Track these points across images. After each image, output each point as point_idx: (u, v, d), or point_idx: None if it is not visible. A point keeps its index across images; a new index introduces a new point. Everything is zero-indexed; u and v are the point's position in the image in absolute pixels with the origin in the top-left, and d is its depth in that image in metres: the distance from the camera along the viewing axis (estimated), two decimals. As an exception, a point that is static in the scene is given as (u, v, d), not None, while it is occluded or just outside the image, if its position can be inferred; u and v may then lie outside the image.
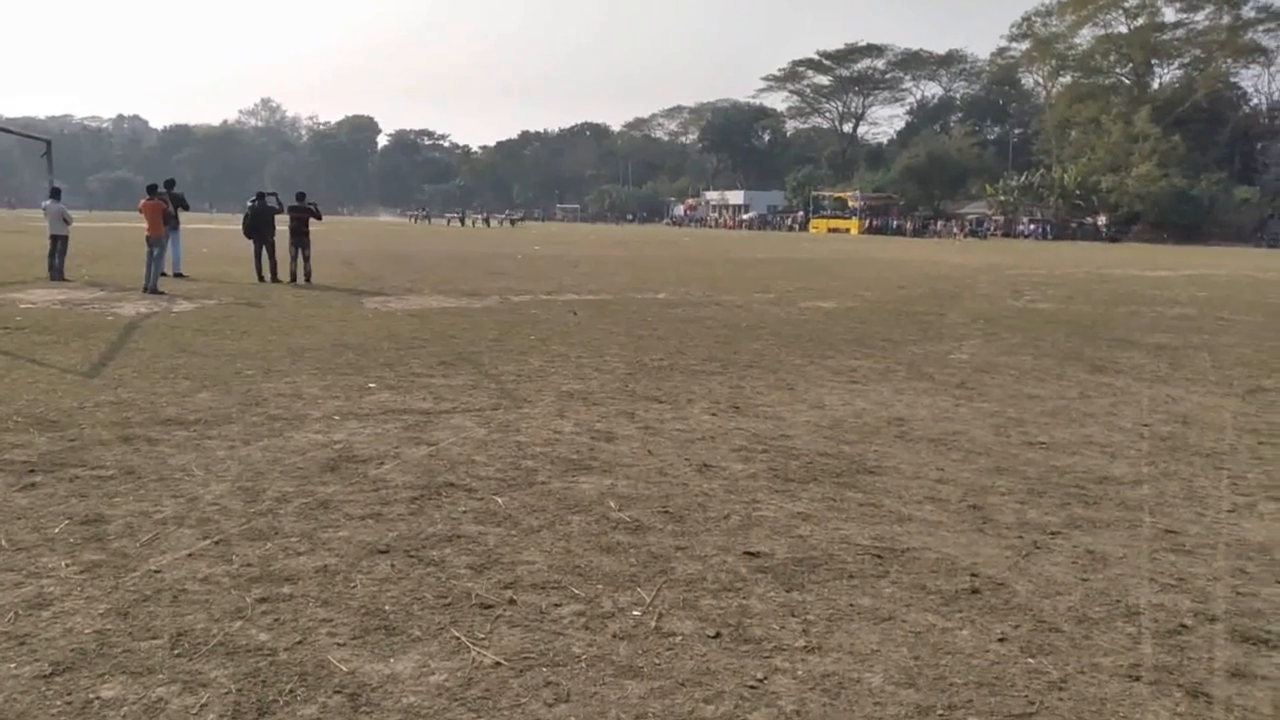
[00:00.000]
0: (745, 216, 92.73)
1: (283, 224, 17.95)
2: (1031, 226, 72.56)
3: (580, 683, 3.08)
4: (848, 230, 75.00)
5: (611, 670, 3.16)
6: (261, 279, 17.45)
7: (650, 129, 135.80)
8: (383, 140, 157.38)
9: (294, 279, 17.45)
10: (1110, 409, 7.76)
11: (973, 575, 4.08)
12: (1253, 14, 79.02)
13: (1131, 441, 6.64)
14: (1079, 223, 73.45)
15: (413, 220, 78.51)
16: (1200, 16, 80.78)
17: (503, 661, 3.20)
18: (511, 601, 3.69)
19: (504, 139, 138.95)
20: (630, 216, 68.12)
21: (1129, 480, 5.63)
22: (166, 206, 16.37)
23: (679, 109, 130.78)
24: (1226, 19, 79.58)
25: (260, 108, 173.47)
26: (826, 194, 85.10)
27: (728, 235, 59.92)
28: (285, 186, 25.25)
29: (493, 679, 3.08)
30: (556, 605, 3.67)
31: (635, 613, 3.61)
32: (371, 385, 7.86)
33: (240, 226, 18.47)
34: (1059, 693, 3.09)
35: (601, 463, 5.66)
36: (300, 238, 17.80)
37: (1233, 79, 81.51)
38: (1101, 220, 72.54)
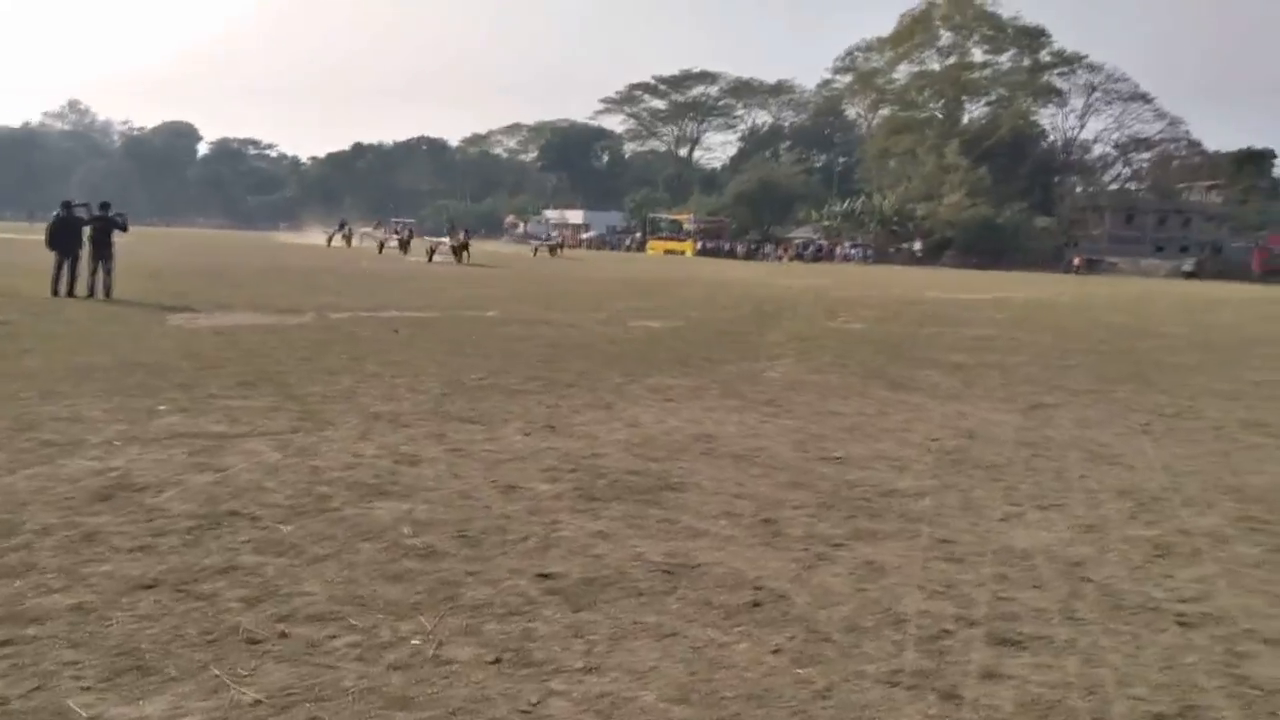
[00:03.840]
0: (585, 236, 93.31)
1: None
2: (854, 250, 76.19)
3: (346, 717, 2.96)
4: (683, 252, 76.61)
5: (381, 702, 3.06)
6: (57, 294, 16.17)
7: (489, 145, 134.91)
8: (203, 148, 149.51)
9: (93, 294, 16.26)
10: (904, 424, 8.19)
11: (757, 589, 4.19)
12: (1049, 58, 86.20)
13: (919, 455, 7.02)
14: (897, 247, 77.64)
15: (328, 241, 52.45)
16: (1004, 58, 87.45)
17: (263, 699, 3.04)
18: (283, 635, 3.52)
19: (336, 150, 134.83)
20: (467, 232, 66.65)
21: (913, 493, 5.95)
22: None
23: (518, 126, 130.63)
24: (1027, 62, 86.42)
25: (68, 110, 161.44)
26: (663, 216, 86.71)
27: (569, 254, 59.95)
28: (95, 195, 23.50)
29: (249, 719, 2.92)
30: (331, 637, 3.53)
31: (414, 642, 3.52)
32: (161, 407, 7.39)
33: (44, 237, 17.00)
34: (823, 701, 3.21)
35: (402, 487, 5.51)
36: (102, 250, 16.62)
37: (1033, 117, 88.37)
38: (917, 245, 76.95)
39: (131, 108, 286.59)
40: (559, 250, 58.68)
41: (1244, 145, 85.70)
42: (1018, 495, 6.00)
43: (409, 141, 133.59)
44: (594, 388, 9.21)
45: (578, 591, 4.06)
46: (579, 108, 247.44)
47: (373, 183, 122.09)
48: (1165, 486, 6.39)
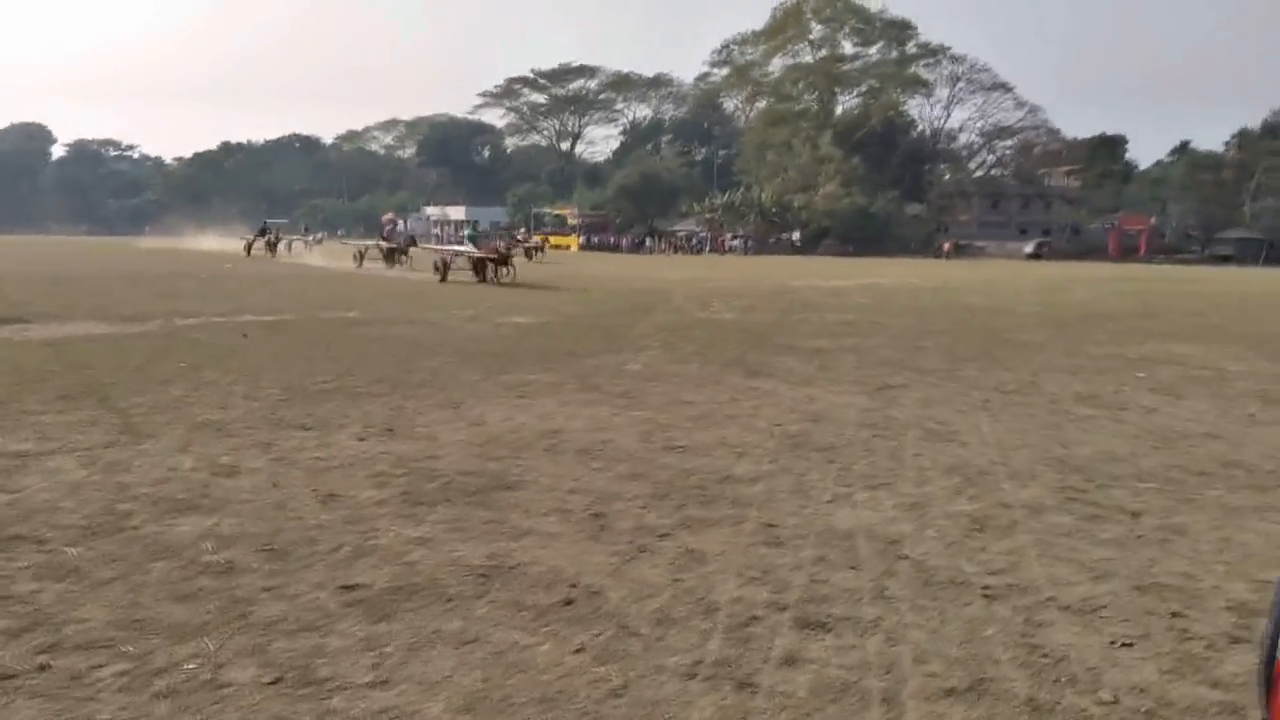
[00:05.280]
0: (466, 232, 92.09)
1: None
2: (735, 241, 77.30)
3: (91, 756, 2.73)
4: (568, 246, 76.38)
5: (135, 736, 2.84)
6: None
7: (365, 141, 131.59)
8: (59, 150, 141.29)
9: (-88, 306, 15.07)
10: (753, 411, 8.24)
11: (572, 586, 4.09)
12: (915, 50, 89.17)
13: (762, 440, 7.06)
14: (777, 238, 79.14)
15: (247, 248, 44.07)
16: (873, 50, 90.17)
17: (-1, 743, 2.77)
18: (43, 668, 3.25)
19: (203, 150, 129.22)
20: (322, 233, 64.56)
21: (747, 478, 5.96)
22: None
23: (395, 122, 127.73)
24: (895, 54, 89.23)
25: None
26: (547, 211, 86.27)
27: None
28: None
29: (-23, 767, 2.66)
30: (98, 667, 3.27)
31: (190, 666, 3.29)
32: (-39, 427, 6.84)
33: None
34: (615, 700, 3.13)
35: (213, 500, 5.20)
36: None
37: (902, 107, 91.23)
38: (796, 235, 78.61)
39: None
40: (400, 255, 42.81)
41: (1098, 132, 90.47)
42: (850, 476, 6.08)
43: (281, 140, 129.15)
44: (445, 387, 8.98)
45: (381, 602, 3.88)
46: (458, 102, 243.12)
47: (243, 183, 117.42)
48: (994, 461, 6.59)
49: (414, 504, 5.23)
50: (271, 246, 44.70)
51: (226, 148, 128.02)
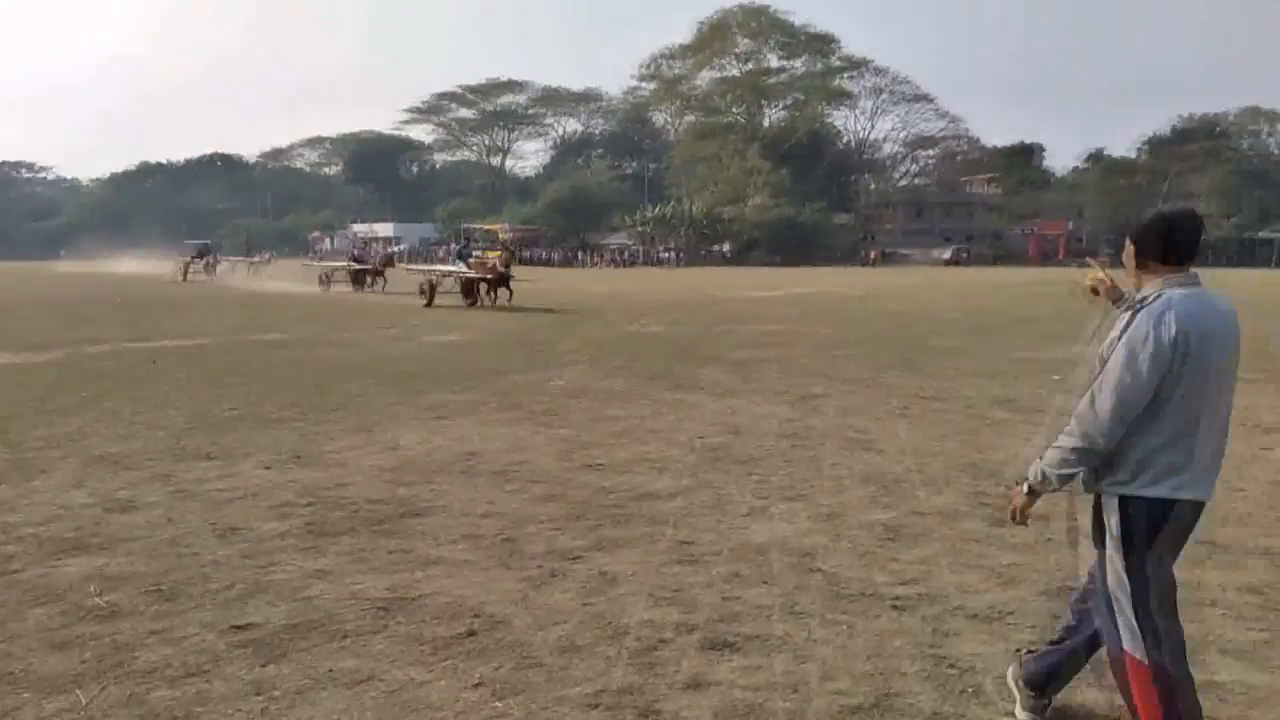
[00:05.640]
0: (397, 249, 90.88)
1: None
2: (666, 254, 77.59)
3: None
4: (498, 261, 75.88)
5: (-10, 803, 2.64)
6: None
7: (290, 159, 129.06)
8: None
9: None
10: (675, 424, 8.19)
11: (475, 616, 3.97)
12: (839, 63, 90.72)
13: (682, 455, 7.01)
14: (708, 250, 79.64)
15: (183, 273, 40.66)
16: (798, 64, 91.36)
17: None
18: (-105, 733, 3.02)
19: (121, 170, 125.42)
20: (269, 253, 62.75)
21: (666, 494, 5.90)
22: None
23: (320, 139, 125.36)
24: (819, 66, 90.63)
25: None
26: (477, 226, 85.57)
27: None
28: None
29: None
30: (-44, 728, 3.05)
31: (58, 721, 3.09)
32: None
33: None
34: (512, 736, 3.02)
35: (103, 539, 4.96)
36: None
37: (827, 119, 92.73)
38: (726, 247, 79.20)
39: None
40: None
41: (1016, 140, 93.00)
42: (768, 488, 6.05)
43: (202, 159, 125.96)
44: (360, 411, 8.75)
45: (273, 641, 3.71)
46: (384, 119, 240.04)
47: (163, 203, 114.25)
48: (909, 469, 6.62)
49: (317, 535, 5.05)
50: (210, 269, 41.91)
51: (145, 168, 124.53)
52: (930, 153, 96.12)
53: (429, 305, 23.53)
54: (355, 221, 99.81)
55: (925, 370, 11.69)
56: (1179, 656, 2.78)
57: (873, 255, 72.88)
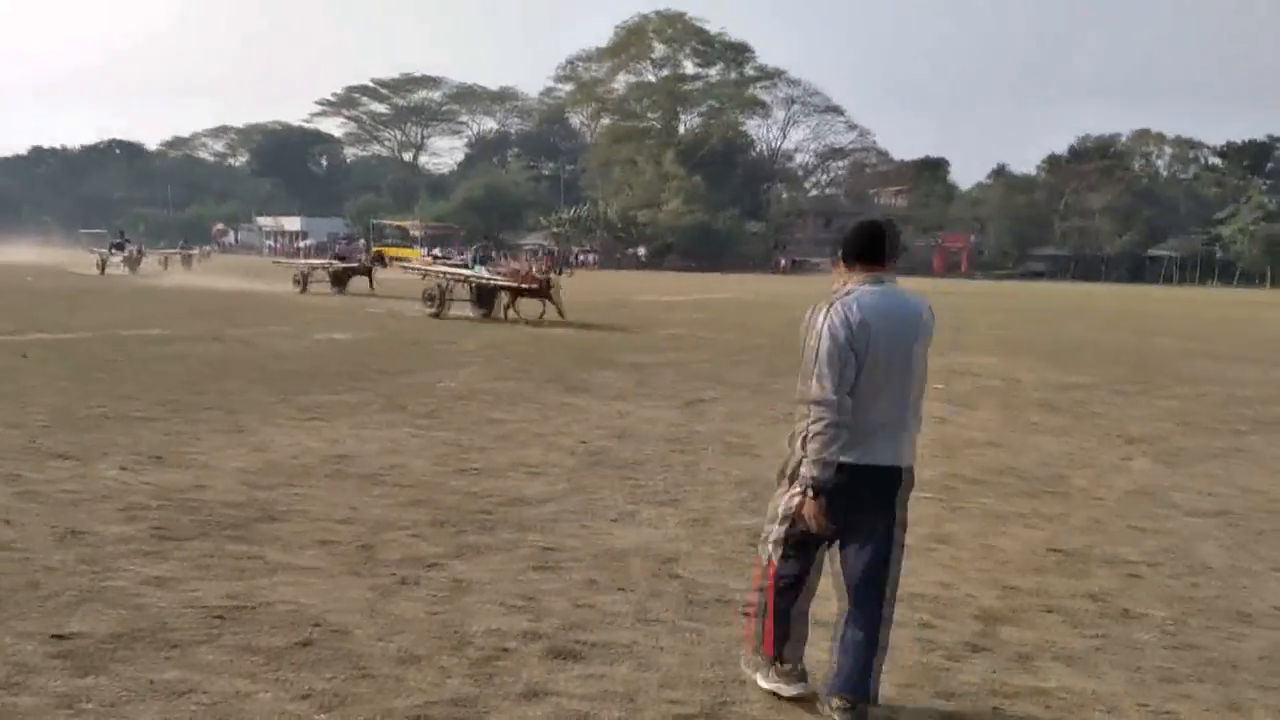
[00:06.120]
0: (304, 244, 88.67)
1: None
2: (584, 257, 77.49)
3: None
4: (410, 259, 74.78)
5: None
6: None
7: (194, 149, 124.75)
8: None
9: None
10: (562, 428, 8.13)
11: (315, 625, 3.84)
12: (753, 73, 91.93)
13: (563, 459, 6.96)
14: (623, 253, 79.84)
15: (100, 266, 36.45)
16: (713, 71, 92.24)
17: None
18: None
19: (11, 155, 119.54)
20: (209, 246, 60.06)
21: (538, 499, 5.83)
22: None
23: (226, 129, 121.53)
24: (734, 75, 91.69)
25: None
26: (389, 223, 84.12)
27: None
28: None
29: None
30: None
31: None
32: None
33: None
34: (330, 750, 2.92)
35: (-74, 542, 4.66)
36: None
37: (741, 128, 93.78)
38: (642, 250, 79.51)
39: None
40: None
41: (923, 154, 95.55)
42: (642, 493, 6.04)
43: (99, 145, 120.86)
44: (234, 410, 8.45)
45: (94, 652, 3.52)
46: (294, 110, 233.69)
47: (57, 191, 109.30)
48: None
49: (163, 540, 4.83)
50: (133, 262, 36.97)
51: (38, 153, 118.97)
52: (841, 164, 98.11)
53: (437, 315, 19.50)
54: (260, 214, 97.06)
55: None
56: (800, 583, 3.34)
57: (782, 263, 74.07)
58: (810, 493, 3.13)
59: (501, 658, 3.60)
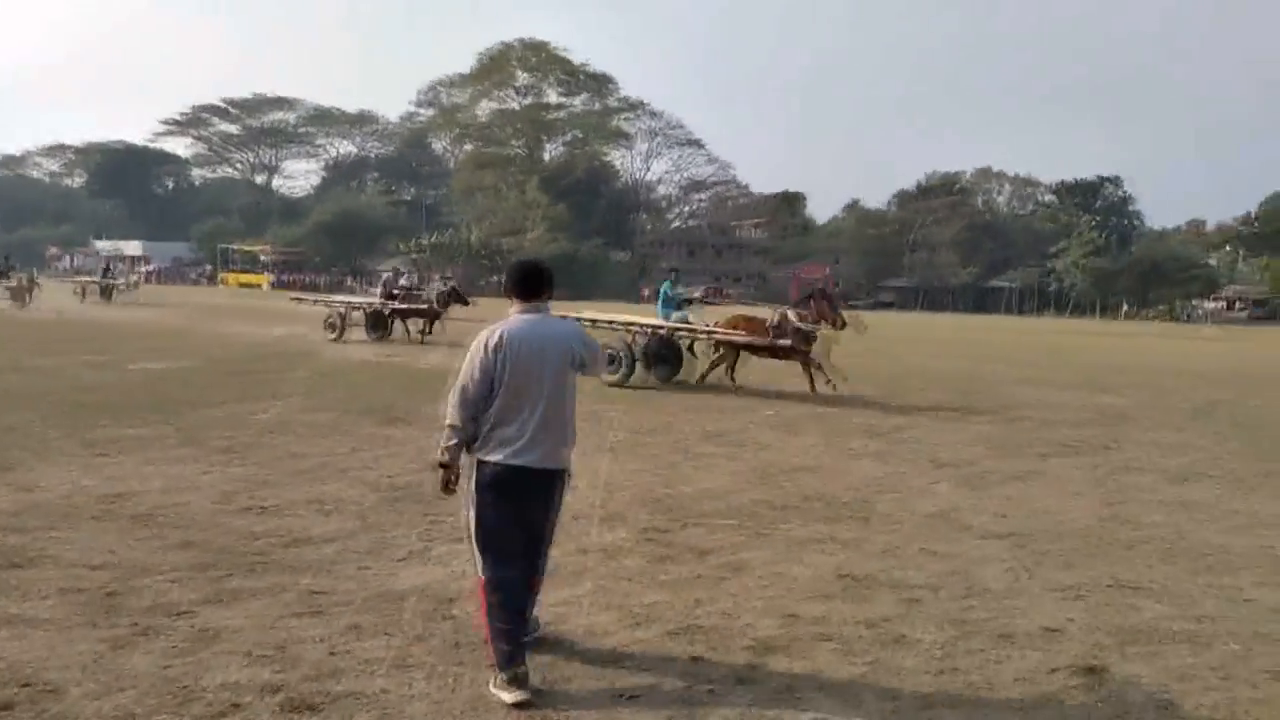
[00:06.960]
0: (148, 269, 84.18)
1: None
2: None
3: None
4: (259, 285, 72.00)
5: None
6: None
7: (26, 168, 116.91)
8: None
9: None
10: (371, 462, 7.81)
11: (25, 685, 3.48)
12: (616, 104, 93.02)
13: (363, 495, 6.65)
14: (486, 280, 79.09)
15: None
16: (577, 101, 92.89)
17: None
18: None
19: None
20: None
21: (323, 539, 5.53)
22: None
23: (62, 147, 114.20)
24: (598, 106, 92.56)
25: None
26: (237, 247, 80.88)
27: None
28: None
29: None
30: None
31: None
32: None
33: None
34: (-9, 835, 2.59)
35: None
36: None
37: (605, 158, 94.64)
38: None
39: None
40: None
41: (781, 189, 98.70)
42: (437, 530, 5.81)
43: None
44: (9, 447, 7.76)
45: None
46: (136, 129, 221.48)
47: None
48: (594, 504, 6.58)
49: (-128, 595, 4.31)
50: (22, 294, 29.96)
51: None
52: (702, 196, 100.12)
53: (618, 384, 13.49)
54: (98, 238, 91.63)
55: (651, 405, 11.88)
56: (508, 578, 3.72)
57: (645, 293, 74.84)
58: (438, 464, 3.81)
59: (230, 714, 3.32)
